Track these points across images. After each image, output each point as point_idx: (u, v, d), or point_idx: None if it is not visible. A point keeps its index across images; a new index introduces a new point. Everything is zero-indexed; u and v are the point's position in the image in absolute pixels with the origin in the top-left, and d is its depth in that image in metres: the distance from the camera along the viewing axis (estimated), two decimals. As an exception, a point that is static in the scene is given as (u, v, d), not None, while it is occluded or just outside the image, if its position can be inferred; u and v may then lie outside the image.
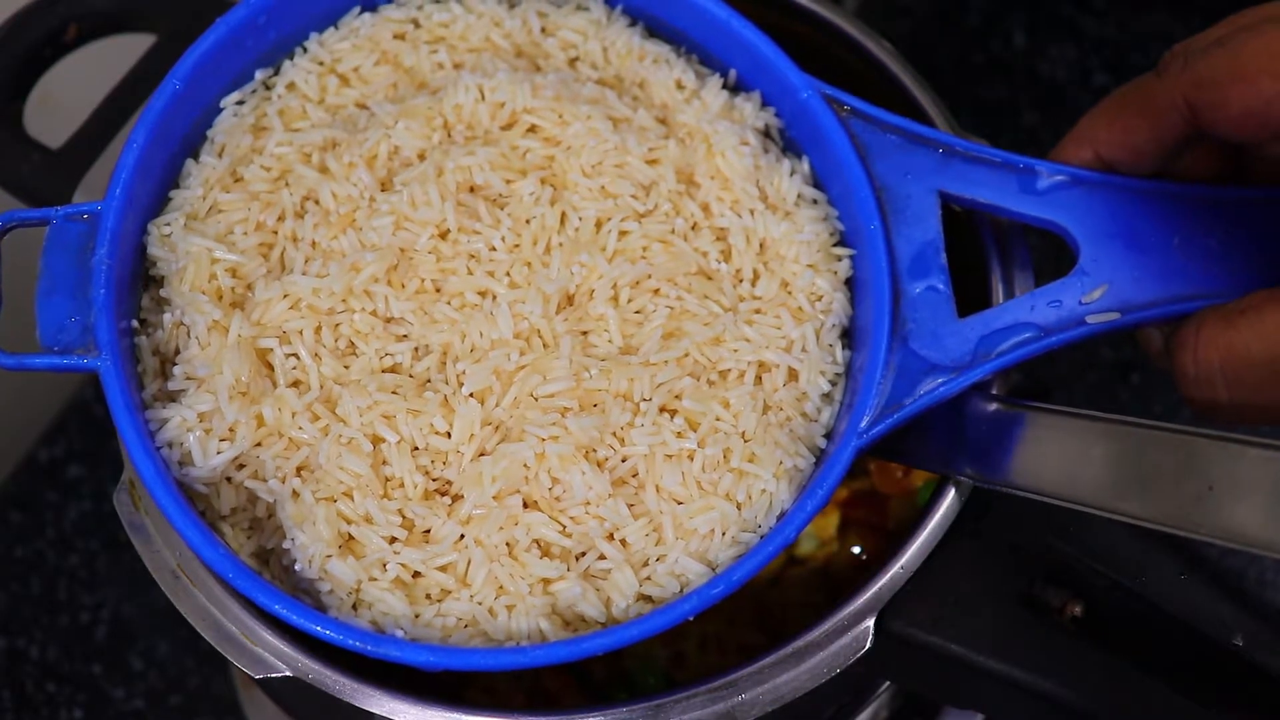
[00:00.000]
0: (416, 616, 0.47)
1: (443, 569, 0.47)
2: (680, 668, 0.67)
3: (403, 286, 0.51)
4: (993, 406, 0.51)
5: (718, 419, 0.49)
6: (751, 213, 0.53)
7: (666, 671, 0.67)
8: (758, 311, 0.52)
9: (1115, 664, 0.49)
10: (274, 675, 0.50)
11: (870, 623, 0.50)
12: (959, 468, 0.51)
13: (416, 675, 0.50)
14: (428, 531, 0.48)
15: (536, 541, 0.48)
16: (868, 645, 0.50)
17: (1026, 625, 0.50)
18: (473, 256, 0.51)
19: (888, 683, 0.61)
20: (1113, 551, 0.51)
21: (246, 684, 0.72)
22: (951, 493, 0.52)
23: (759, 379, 0.51)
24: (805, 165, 0.54)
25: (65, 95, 0.64)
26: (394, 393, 0.49)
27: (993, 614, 0.50)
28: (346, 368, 0.50)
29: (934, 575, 0.51)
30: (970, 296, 0.53)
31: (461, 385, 0.49)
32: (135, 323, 0.51)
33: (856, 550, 0.69)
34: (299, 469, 0.49)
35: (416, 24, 0.56)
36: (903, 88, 0.59)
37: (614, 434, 0.49)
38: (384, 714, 0.49)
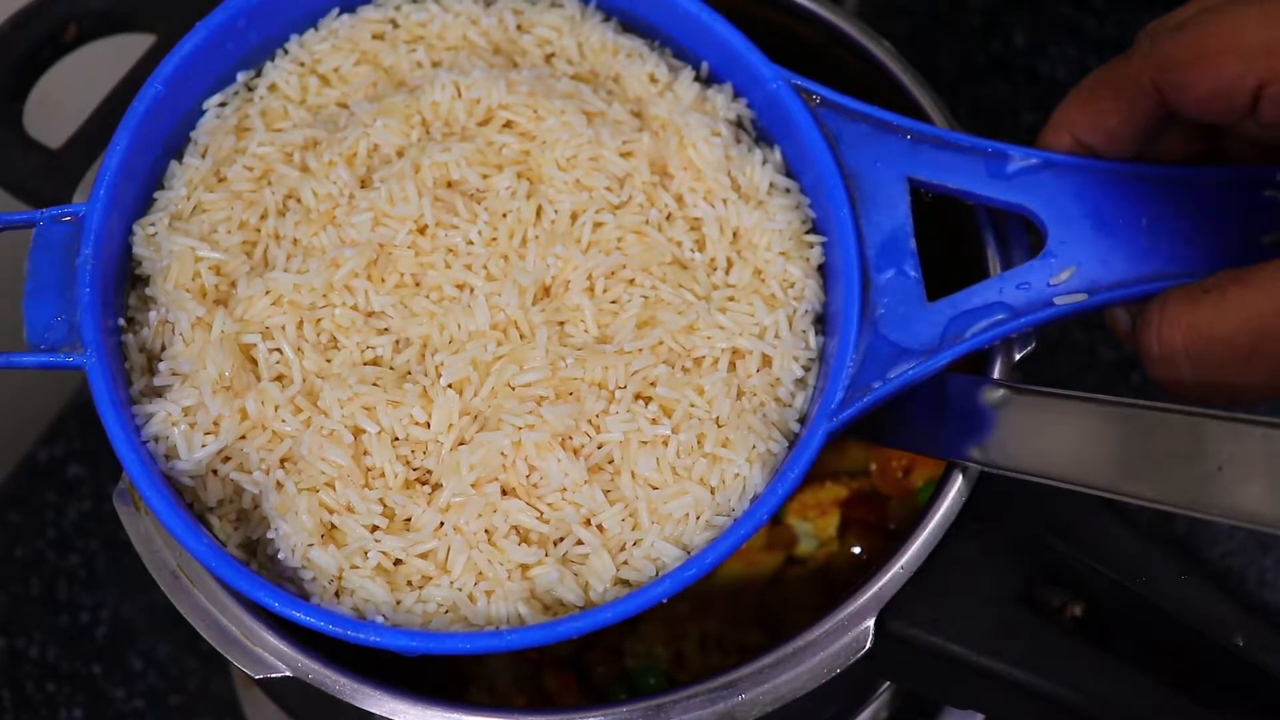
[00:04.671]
0: (398, 603, 0.48)
1: (423, 556, 0.48)
2: (680, 668, 0.67)
3: (382, 281, 0.51)
4: (999, 392, 0.51)
5: (692, 405, 0.50)
6: (724, 202, 0.53)
7: (667, 671, 0.67)
8: (731, 299, 0.52)
9: (1115, 664, 0.48)
10: (274, 675, 0.50)
11: (870, 623, 0.50)
12: (964, 453, 0.51)
13: (417, 675, 0.51)
14: (408, 520, 0.49)
15: (515, 528, 0.49)
16: (868, 645, 0.50)
17: (1026, 625, 0.49)
18: (450, 250, 0.52)
19: (888, 683, 0.60)
20: (1113, 551, 0.51)
21: (246, 684, 0.72)
22: (952, 493, 0.52)
23: (733, 365, 0.51)
24: (777, 154, 0.55)
25: (65, 95, 0.64)
26: (374, 385, 0.49)
27: (993, 614, 0.50)
28: (328, 361, 0.51)
29: (934, 575, 0.51)
30: (968, 276, 0.54)
31: (440, 376, 0.50)
32: (122, 321, 0.52)
33: (856, 550, 0.69)
34: (282, 461, 0.49)
35: (395, 24, 0.57)
36: (903, 88, 0.59)
37: (589, 422, 0.49)
38: (384, 714, 0.50)
